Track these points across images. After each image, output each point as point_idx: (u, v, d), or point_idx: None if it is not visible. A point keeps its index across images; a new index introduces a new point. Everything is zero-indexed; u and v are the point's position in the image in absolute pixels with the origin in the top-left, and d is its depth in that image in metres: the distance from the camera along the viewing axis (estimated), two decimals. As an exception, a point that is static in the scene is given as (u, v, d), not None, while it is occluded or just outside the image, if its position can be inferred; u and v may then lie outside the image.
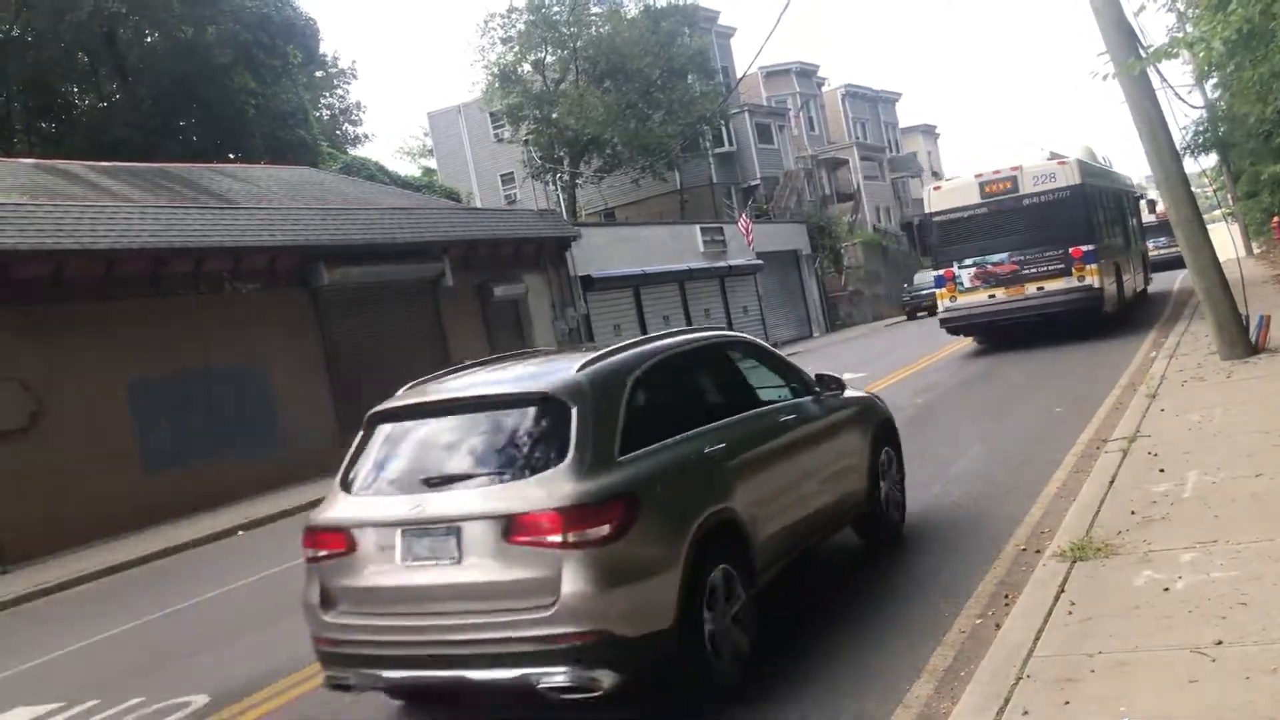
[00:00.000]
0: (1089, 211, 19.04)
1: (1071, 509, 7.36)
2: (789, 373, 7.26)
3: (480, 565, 4.88)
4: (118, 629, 9.80)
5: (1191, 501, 6.78)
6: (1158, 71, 13.40)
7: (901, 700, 4.98)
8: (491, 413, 5.42)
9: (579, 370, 5.38)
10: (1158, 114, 13.20)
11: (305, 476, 20.11)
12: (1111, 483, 7.73)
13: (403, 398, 5.89)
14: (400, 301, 23.63)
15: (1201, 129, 29.27)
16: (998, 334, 20.60)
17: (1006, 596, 6.02)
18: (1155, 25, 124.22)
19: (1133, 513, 6.77)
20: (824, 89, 64.19)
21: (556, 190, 44.81)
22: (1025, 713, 4.22)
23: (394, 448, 5.58)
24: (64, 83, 37.87)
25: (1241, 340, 12.88)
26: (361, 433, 5.78)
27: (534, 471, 4.96)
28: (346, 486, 5.58)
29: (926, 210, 21.28)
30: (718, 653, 5.17)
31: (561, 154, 42.77)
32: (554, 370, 5.62)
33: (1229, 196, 39.50)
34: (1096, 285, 18.91)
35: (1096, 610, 5.18)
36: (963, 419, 13.12)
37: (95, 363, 17.14)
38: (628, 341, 6.08)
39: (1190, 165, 27.48)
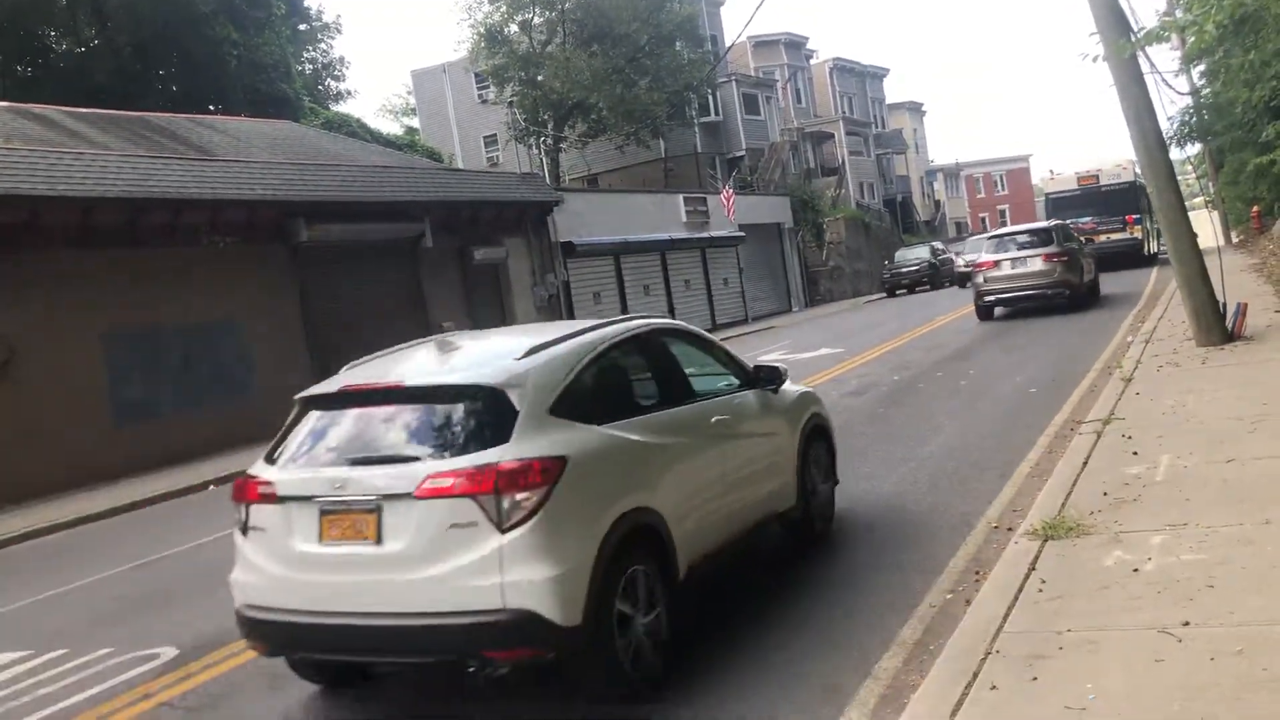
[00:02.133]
0: (1137, 196, 28.85)
1: (1044, 489, 7.41)
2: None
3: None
4: (87, 579, 9.75)
5: (1163, 484, 6.84)
6: (1146, 56, 13.41)
7: (871, 672, 5.02)
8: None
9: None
10: (1145, 99, 13.20)
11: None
12: (1085, 464, 7.78)
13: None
14: (380, 261, 23.48)
15: (1188, 117, 29.35)
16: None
17: (978, 573, 6.06)
18: (1146, 10, 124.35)
19: (1105, 494, 6.82)
20: (812, 61, 63.99)
21: (540, 154, 44.50)
22: (993, 687, 4.25)
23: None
24: (42, 26, 37.20)
25: (1218, 327, 12.97)
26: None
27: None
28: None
29: (1045, 192, 38.23)
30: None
31: (546, 117, 42.42)
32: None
33: (1211, 185, 39.67)
34: (1140, 237, 32.67)
35: (1066, 589, 5.23)
36: (939, 397, 13.17)
37: (69, 312, 16.99)
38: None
39: (1175, 153, 27.66)
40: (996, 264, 22.56)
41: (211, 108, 35.27)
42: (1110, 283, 25.07)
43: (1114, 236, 31.71)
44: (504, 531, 4.69)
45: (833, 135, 59.88)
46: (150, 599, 8.60)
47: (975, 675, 4.40)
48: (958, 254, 42.60)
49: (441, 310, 25.09)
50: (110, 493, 15.29)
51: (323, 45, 47.75)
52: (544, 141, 43.60)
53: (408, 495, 4.82)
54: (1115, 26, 12.56)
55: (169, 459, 17.62)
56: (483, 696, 5.24)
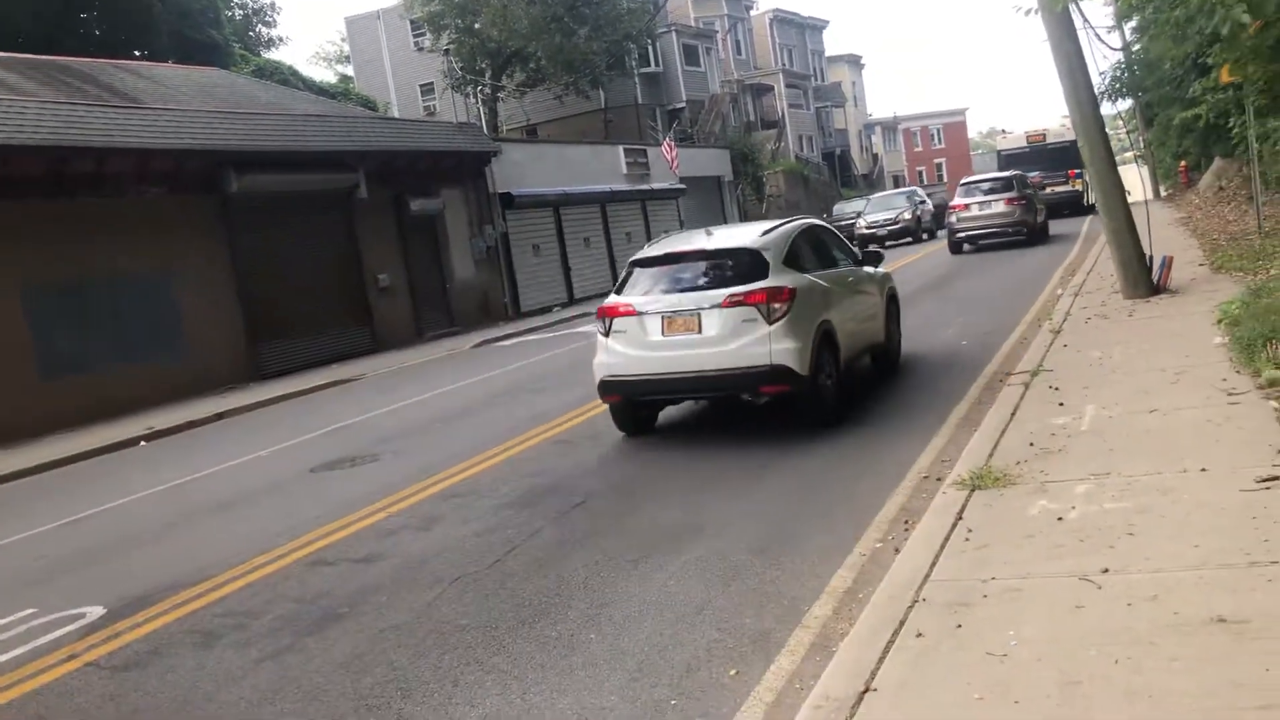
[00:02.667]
0: (1078, 153, 30.38)
1: (973, 439, 7.53)
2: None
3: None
4: (11, 538, 9.55)
5: (1088, 435, 6.99)
6: (1080, 11, 13.52)
7: (801, 621, 5.09)
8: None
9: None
10: (1077, 54, 13.32)
11: (211, 387, 19.76)
12: (1013, 414, 7.92)
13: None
14: (313, 212, 23.05)
15: (1119, 73, 29.74)
16: None
17: (907, 522, 6.16)
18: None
19: (1031, 444, 6.96)
20: (752, 13, 63.67)
21: (477, 103, 43.85)
22: (919, 635, 4.33)
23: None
24: (-45, -35, 35.73)
25: (1144, 280, 13.23)
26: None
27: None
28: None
29: (997, 149, 41.33)
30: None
31: (483, 66, 41.79)
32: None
33: (1141, 140, 40.31)
34: (1080, 189, 34.20)
35: (992, 537, 5.33)
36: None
37: (-12, 264, 16.49)
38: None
39: (1106, 108, 28.11)
40: (967, 206, 26.81)
41: (137, 53, 34.20)
42: (1055, 226, 28.92)
43: (1058, 189, 34.33)
44: (770, 323, 8.77)
45: (772, 88, 59.78)
46: (77, 558, 8.45)
47: (902, 623, 4.48)
48: (856, 214, 39.99)
49: (376, 261, 24.76)
50: (37, 449, 14.96)
51: (252, -11, 46.52)
52: (481, 91, 42.97)
53: (716, 305, 8.95)
54: (1050, -20, 12.61)
55: (99, 413, 17.27)
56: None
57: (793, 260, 9.48)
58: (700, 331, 8.98)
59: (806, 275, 9.45)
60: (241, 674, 5.39)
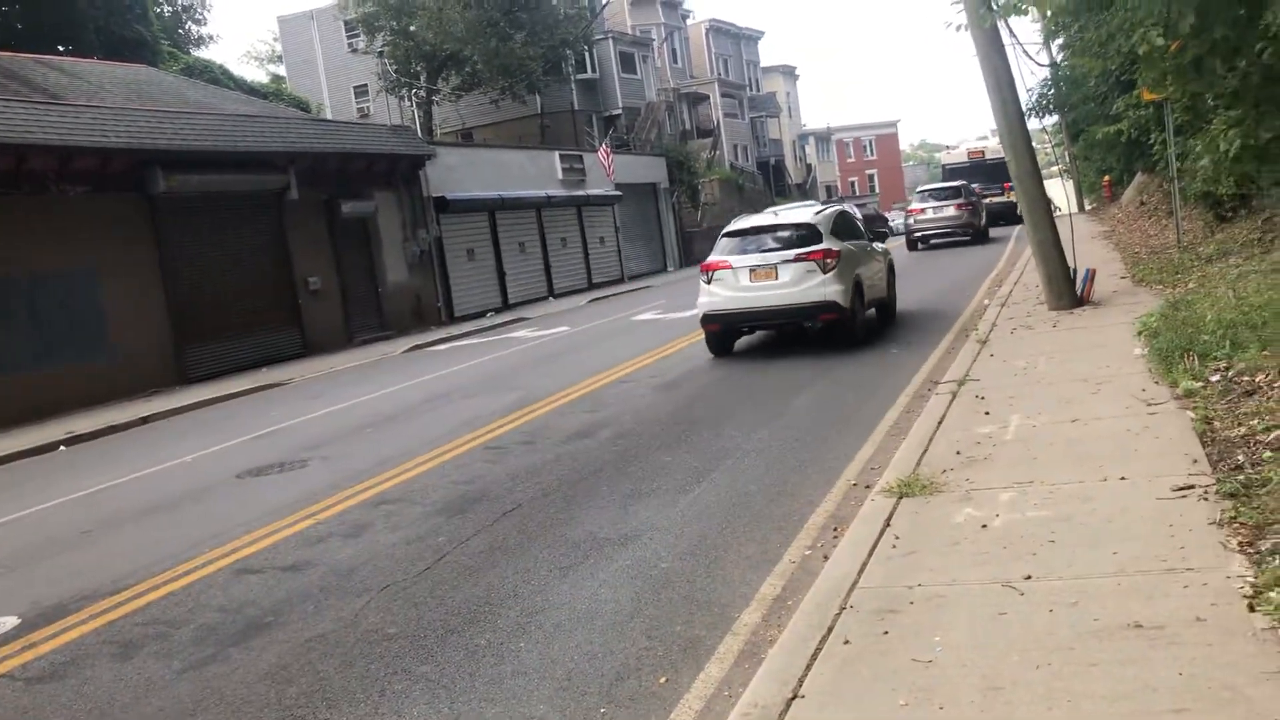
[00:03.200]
0: None
1: (901, 447, 7.64)
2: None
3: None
4: (-79, 546, 9.24)
5: (1013, 444, 7.12)
6: (1008, 27, 13.80)
7: (730, 628, 5.11)
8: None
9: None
10: (1005, 70, 13.61)
11: (137, 390, 19.34)
12: (940, 423, 8.05)
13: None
14: (242, 213, 22.69)
15: (1046, 89, 30.41)
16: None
17: (836, 529, 6.22)
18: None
19: (958, 452, 7.07)
20: (689, 22, 63.99)
21: (412, 106, 43.49)
22: (846, 642, 4.37)
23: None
24: None
25: (1069, 292, 13.54)
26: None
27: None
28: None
29: (942, 163, 46.57)
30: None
31: (418, 69, 41.44)
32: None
33: (1067, 154, 41.27)
34: (1015, 200, 41.10)
35: (919, 545, 5.41)
36: (805, 356, 13.43)
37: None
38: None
39: (1033, 124, 28.75)
40: (923, 210, 32.56)
41: (60, 49, 33.35)
42: (993, 232, 34.15)
43: (995, 199, 37.08)
44: (824, 274, 13.05)
45: (708, 96, 60.16)
46: (-9, 565, 8.20)
47: (830, 630, 4.52)
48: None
49: (307, 263, 24.43)
50: (-51, 454, 14.51)
51: (182, -14, 45.61)
52: (416, 94, 42.63)
53: (788, 261, 13.24)
54: (979, -3, 12.86)
55: (18, 416, 16.84)
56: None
57: (835, 232, 13.96)
58: (777, 279, 13.44)
59: (845, 243, 13.88)
60: (162, 685, 5.27)
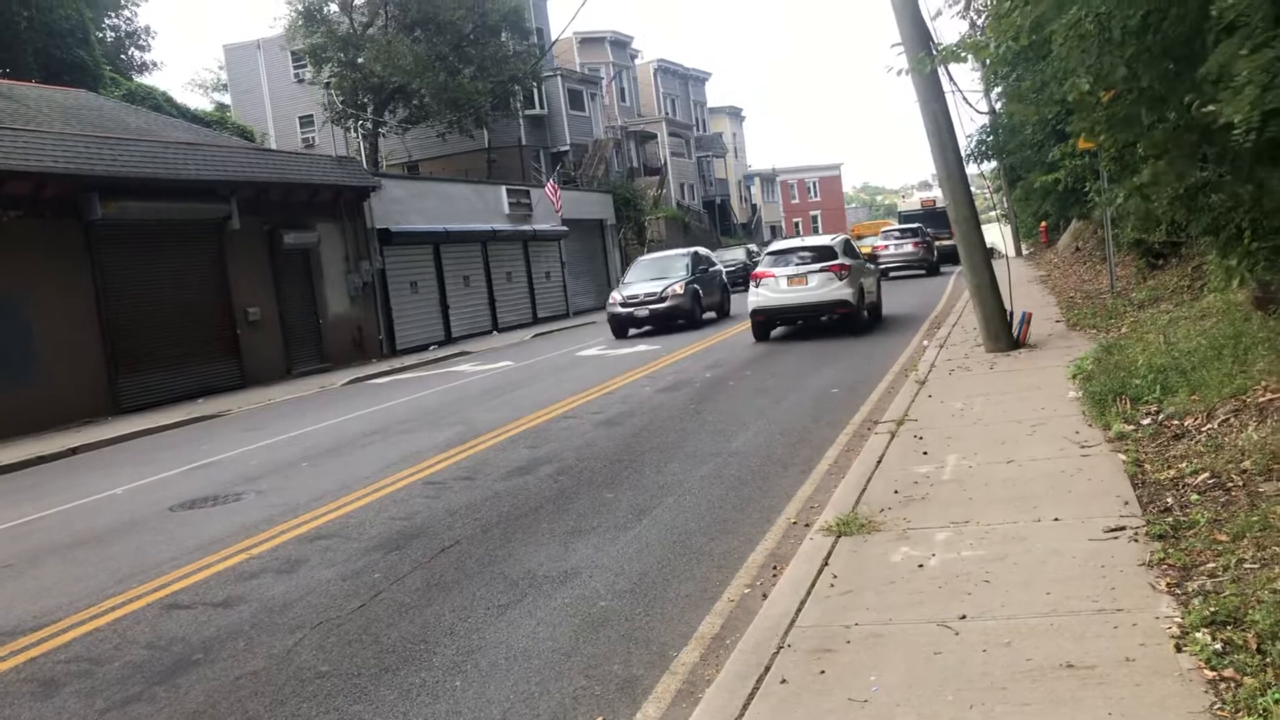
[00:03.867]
0: None
1: (840, 486, 7.69)
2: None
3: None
4: None
5: (949, 484, 7.20)
6: (947, 73, 14.11)
7: (669, 667, 5.08)
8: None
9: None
10: (945, 116, 13.89)
11: (67, 420, 18.93)
12: (879, 463, 8.12)
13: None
14: (182, 241, 22.40)
15: (985, 136, 31.06)
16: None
17: (775, 568, 6.24)
18: (951, 33, 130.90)
19: (896, 492, 7.14)
20: (637, 61, 64.60)
21: (358, 138, 43.30)
22: (783, 681, 4.38)
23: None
24: None
25: (1005, 335, 13.78)
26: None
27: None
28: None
29: (899, 210, 64.26)
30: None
31: (365, 100, 41.31)
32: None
33: (1004, 200, 42.15)
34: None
35: (856, 584, 5.44)
36: (747, 396, 13.50)
37: None
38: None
39: (972, 169, 29.38)
40: (886, 246, 38.86)
41: (-2, 71, 32.82)
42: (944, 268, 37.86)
43: (944, 242, 39.91)
44: (840, 281, 19.10)
45: (656, 135, 60.64)
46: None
47: (767, 669, 4.52)
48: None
49: (247, 294, 24.13)
50: None
51: (126, 12, 45.12)
52: (363, 125, 42.46)
53: (816, 271, 19.28)
54: (919, 43, 13.17)
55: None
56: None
57: (845, 253, 19.95)
58: (807, 284, 19.36)
59: (852, 260, 19.85)
60: (83, 725, 5.12)
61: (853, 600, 5.22)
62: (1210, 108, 5.18)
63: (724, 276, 29.69)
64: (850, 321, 19.40)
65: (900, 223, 47.31)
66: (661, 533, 7.47)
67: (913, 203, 55.71)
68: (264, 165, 25.88)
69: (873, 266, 23.01)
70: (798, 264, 19.70)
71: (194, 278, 22.72)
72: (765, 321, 20.13)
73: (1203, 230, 9.86)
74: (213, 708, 5.15)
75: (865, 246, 35.62)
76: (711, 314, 27.34)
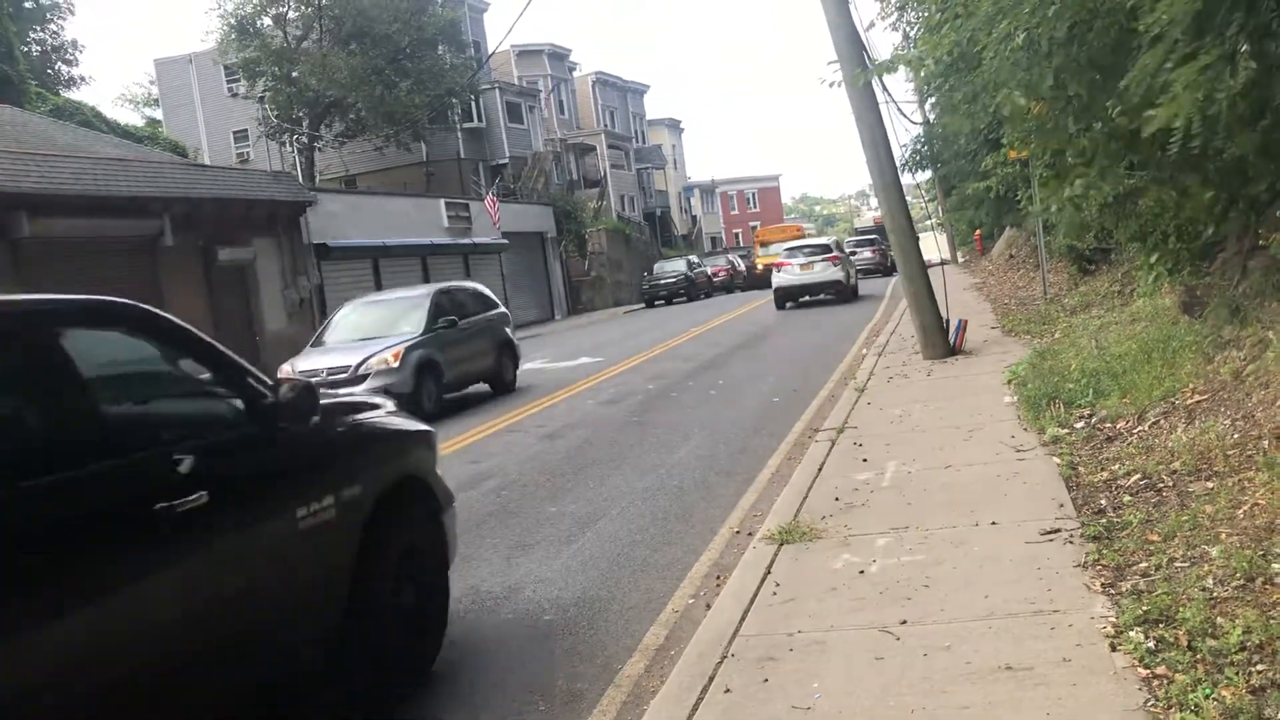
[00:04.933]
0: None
1: (782, 495, 7.73)
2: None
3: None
4: None
5: (889, 490, 7.28)
6: (882, 85, 14.30)
7: (614, 680, 5.07)
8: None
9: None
10: (879, 127, 14.08)
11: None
12: (820, 470, 8.18)
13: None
14: (114, 259, 21.94)
15: (920, 146, 31.54)
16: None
17: (718, 578, 6.25)
18: (885, 43, 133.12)
19: (837, 499, 7.19)
20: (575, 74, 64.61)
21: (294, 152, 42.78)
22: (727, 690, 4.38)
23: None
24: None
25: (942, 342, 13.97)
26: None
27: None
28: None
29: (855, 226, 76.12)
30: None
31: (301, 114, 40.84)
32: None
33: (940, 209, 42.81)
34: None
35: (798, 592, 5.47)
36: (690, 406, 13.53)
37: None
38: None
39: (907, 179, 29.89)
40: (851, 252, 39.33)
41: (-82, 86, 31.99)
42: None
43: (892, 253, 46.20)
44: (835, 266, 29.38)
45: (595, 148, 60.67)
46: None
47: (711, 679, 4.52)
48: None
49: (181, 311, 23.40)
50: None
51: (52, 26, 44.23)
52: (298, 140, 41.99)
53: (820, 260, 29.46)
54: (853, 57, 13.33)
55: None
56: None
57: (836, 249, 30.52)
58: (813, 270, 28.99)
59: (841, 254, 30.33)
60: None
61: (795, 608, 5.24)
62: (1149, 113, 5.29)
63: (507, 330, 18.48)
64: (841, 293, 29.46)
65: (856, 235, 56.95)
66: (605, 545, 7.46)
67: (866, 220, 64.49)
68: (197, 181, 25.48)
69: (851, 259, 33.62)
70: (806, 256, 29.63)
71: (127, 294, 21.87)
72: (784, 295, 29.72)
73: (1130, 236, 10.10)
74: None
75: (769, 257, 40.11)
76: (481, 385, 17.43)
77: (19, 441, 3.56)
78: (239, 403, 4.50)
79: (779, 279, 29.70)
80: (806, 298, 29.73)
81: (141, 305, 4.44)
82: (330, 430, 5.01)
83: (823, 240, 32.91)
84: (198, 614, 3.87)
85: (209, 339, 4.55)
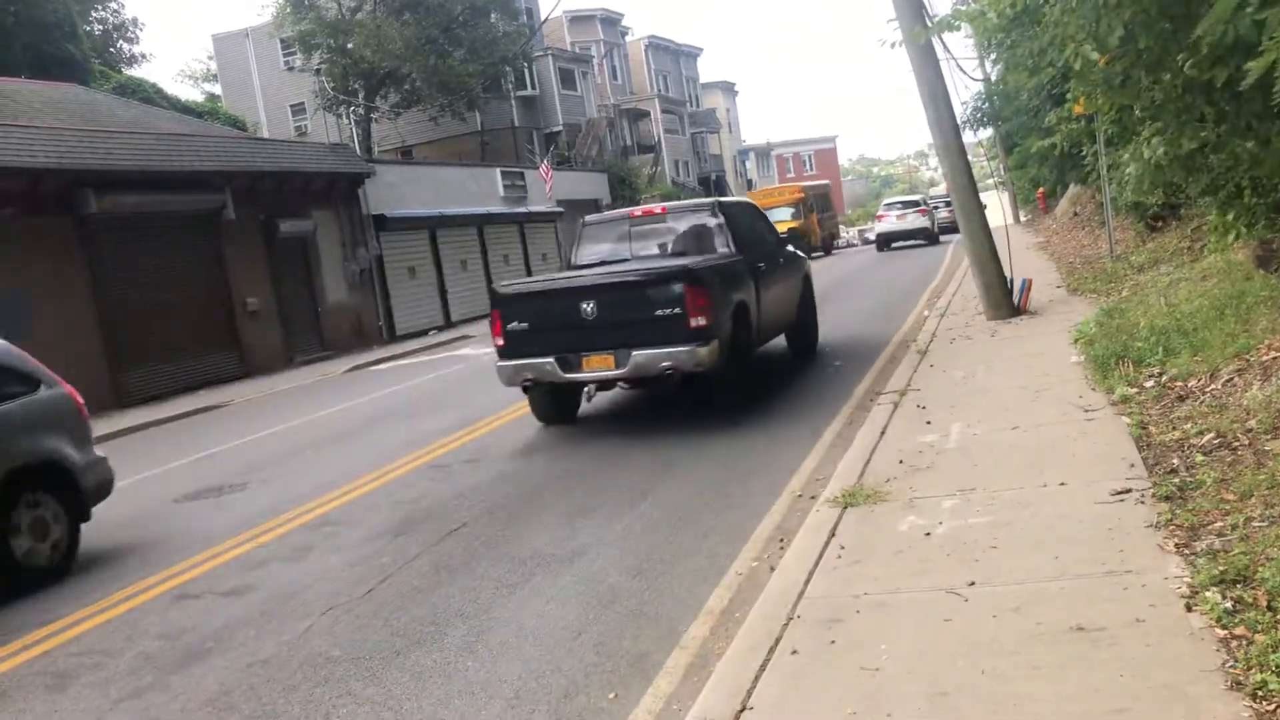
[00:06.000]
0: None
1: (845, 458, 7.69)
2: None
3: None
4: None
5: (954, 452, 7.20)
6: (941, 42, 14.02)
7: (679, 642, 5.09)
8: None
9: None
10: (940, 84, 13.82)
11: (67, 417, 18.84)
12: (883, 433, 8.12)
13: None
14: (178, 234, 22.32)
15: (980, 103, 30.94)
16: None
17: (782, 541, 6.24)
18: (944, 0, 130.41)
19: (901, 462, 7.13)
20: (628, 39, 64.20)
21: (350, 124, 43.13)
22: (794, 652, 4.38)
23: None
24: None
25: (1006, 302, 13.75)
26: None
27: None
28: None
29: (932, 194, 65.42)
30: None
31: (356, 86, 41.10)
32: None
33: (1002, 167, 42.03)
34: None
35: (863, 554, 5.44)
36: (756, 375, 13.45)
37: None
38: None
39: (969, 136, 29.29)
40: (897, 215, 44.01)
41: (-13, 67, 32.63)
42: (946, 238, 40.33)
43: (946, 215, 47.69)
44: (924, 217, 39.98)
45: (648, 113, 60.38)
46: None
47: (778, 640, 4.52)
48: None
49: (245, 284, 24.09)
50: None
51: (113, 5, 44.82)
52: (354, 111, 42.27)
53: (912, 212, 40.11)
54: (912, 14, 13.08)
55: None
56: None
57: (924, 203, 41.64)
58: (906, 220, 40.05)
59: (927, 206, 40.73)
60: (98, 715, 5.14)
61: (860, 570, 5.22)
62: (1248, 65, 5.08)
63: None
64: (929, 237, 39.18)
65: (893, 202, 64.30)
66: (666, 509, 7.48)
67: (940, 188, 68.31)
68: (257, 154, 25.79)
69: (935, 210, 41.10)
70: (901, 209, 40.24)
71: (191, 269, 22.67)
72: (885, 239, 39.94)
73: (1202, 191, 9.83)
74: (226, 695, 5.16)
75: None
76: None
77: (764, 248, 12.30)
78: None
79: (881, 227, 40.46)
80: (901, 243, 39.74)
81: None
82: None
83: (914, 197, 46.24)
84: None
85: None
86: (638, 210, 12.73)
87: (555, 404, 11.03)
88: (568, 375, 10.05)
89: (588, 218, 13.14)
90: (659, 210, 12.25)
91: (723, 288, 10.11)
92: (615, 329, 9.70)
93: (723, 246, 11.33)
